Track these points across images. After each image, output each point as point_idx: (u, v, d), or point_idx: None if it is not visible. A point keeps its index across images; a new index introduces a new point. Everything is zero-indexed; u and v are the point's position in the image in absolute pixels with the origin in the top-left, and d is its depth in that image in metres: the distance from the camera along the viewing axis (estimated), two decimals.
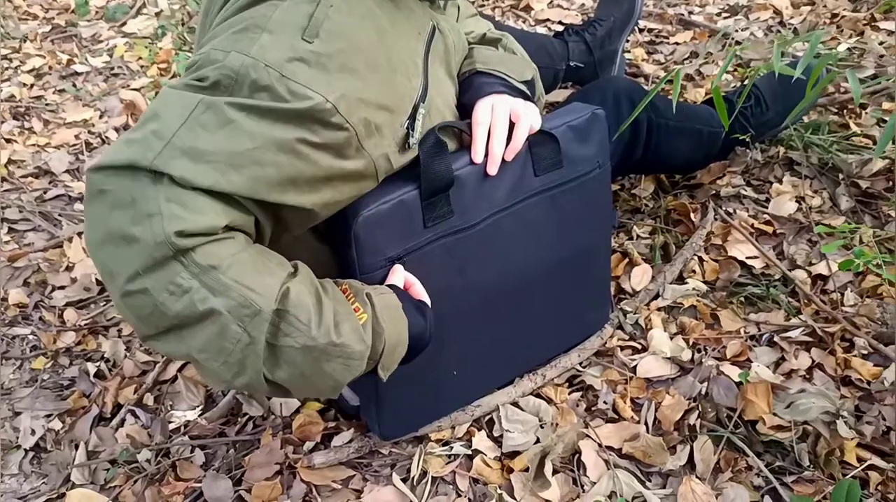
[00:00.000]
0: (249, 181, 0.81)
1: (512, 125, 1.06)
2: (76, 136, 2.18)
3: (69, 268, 1.70)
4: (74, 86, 2.47)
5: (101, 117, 2.29)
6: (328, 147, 0.86)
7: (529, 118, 1.07)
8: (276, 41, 0.83)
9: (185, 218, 0.77)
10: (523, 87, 1.13)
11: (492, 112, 1.06)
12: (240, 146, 0.80)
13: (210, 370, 0.83)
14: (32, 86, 2.49)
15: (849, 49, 1.94)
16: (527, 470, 1.16)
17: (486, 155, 1.05)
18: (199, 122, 0.79)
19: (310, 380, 0.85)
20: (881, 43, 1.96)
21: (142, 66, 2.56)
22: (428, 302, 1.00)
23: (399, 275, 1.01)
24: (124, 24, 2.86)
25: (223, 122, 0.80)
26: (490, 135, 1.05)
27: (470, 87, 1.11)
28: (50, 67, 2.60)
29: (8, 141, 2.16)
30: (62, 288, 1.66)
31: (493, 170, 1.05)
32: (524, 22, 2.50)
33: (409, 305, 0.96)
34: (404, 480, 1.18)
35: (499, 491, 1.14)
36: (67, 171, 2.04)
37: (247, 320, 0.79)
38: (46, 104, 2.37)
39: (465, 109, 1.09)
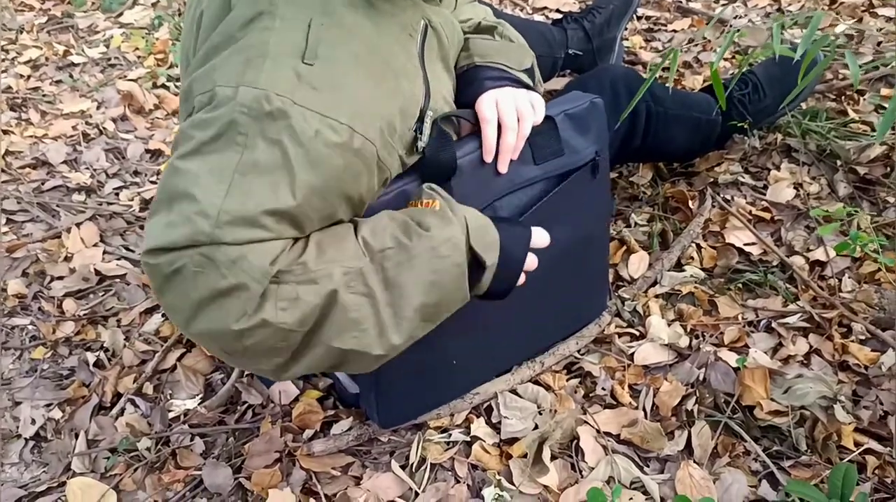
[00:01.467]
0: (296, 227, 0.85)
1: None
2: (73, 127, 2.17)
3: (68, 259, 1.70)
4: (71, 76, 2.47)
5: (98, 108, 2.28)
6: (360, 172, 0.88)
7: (534, 114, 1.07)
8: (280, 67, 0.83)
9: (267, 248, 0.81)
10: (524, 77, 1.13)
11: (496, 107, 1.05)
12: (283, 205, 0.82)
13: (360, 354, 0.86)
14: (29, 77, 2.48)
15: (847, 35, 1.94)
16: (525, 456, 1.16)
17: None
18: (239, 190, 0.80)
19: (443, 286, 0.89)
20: (879, 29, 1.96)
21: (139, 57, 2.55)
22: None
23: None
24: (121, 14, 2.85)
25: (263, 186, 0.81)
26: (501, 133, 1.04)
27: (472, 82, 1.10)
28: (47, 58, 2.59)
29: (5, 132, 2.16)
30: (61, 278, 1.66)
31: (504, 167, 1.05)
32: (522, 10, 2.49)
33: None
34: (403, 467, 1.18)
35: (497, 476, 1.14)
36: (65, 162, 2.04)
37: (357, 283, 0.84)
38: (43, 95, 2.37)
39: (466, 104, 1.08)
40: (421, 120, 0.97)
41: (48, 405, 1.39)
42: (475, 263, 0.93)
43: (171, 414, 1.34)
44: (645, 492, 1.10)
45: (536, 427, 1.20)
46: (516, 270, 0.99)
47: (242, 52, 0.84)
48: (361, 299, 0.84)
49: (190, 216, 0.79)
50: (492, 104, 1.04)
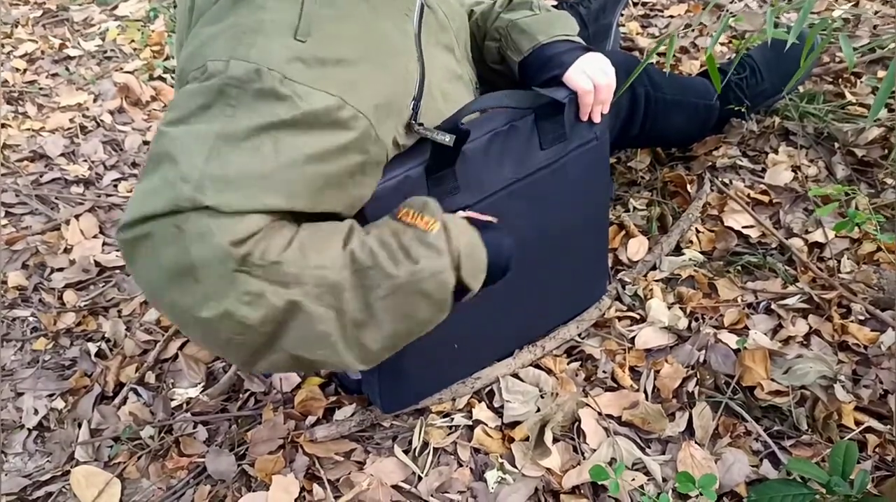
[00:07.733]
0: (283, 198, 0.81)
1: None
2: (70, 120, 2.17)
3: (67, 251, 1.71)
4: (67, 70, 2.46)
5: (95, 100, 2.28)
6: (349, 148, 0.86)
7: (607, 75, 1.12)
8: (272, 43, 0.83)
9: (235, 227, 0.77)
10: (583, 43, 1.17)
11: (588, 76, 1.10)
12: (267, 169, 0.80)
13: (321, 362, 0.85)
14: (25, 70, 2.48)
15: (844, 19, 1.93)
16: (527, 439, 1.17)
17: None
18: (221, 155, 0.78)
19: (414, 319, 0.86)
20: (876, 12, 1.96)
21: (134, 49, 2.55)
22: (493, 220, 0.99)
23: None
24: (116, 7, 2.84)
25: (246, 150, 0.79)
26: (596, 96, 1.11)
27: (548, 61, 1.13)
28: (42, 52, 2.59)
29: (3, 126, 2.15)
30: (61, 270, 1.66)
31: (597, 118, 1.14)
32: None
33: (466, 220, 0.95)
34: (406, 452, 1.19)
35: (500, 460, 1.15)
36: (63, 155, 2.04)
37: (328, 297, 0.81)
38: (40, 88, 2.36)
39: (548, 82, 1.11)
40: (418, 98, 0.96)
41: (51, 395, 1.39)
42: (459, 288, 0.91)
43: (173, 403, 1.34)
44: (646, 473, 1.11)
45: (538, 410, 1.21)
46: (496, 279, 0.98)
47: (234, 28, 0.84)
48: (329, 312, 0.81)
49: (172, 180, 0.77)
50: (581, 75, 1.10)
